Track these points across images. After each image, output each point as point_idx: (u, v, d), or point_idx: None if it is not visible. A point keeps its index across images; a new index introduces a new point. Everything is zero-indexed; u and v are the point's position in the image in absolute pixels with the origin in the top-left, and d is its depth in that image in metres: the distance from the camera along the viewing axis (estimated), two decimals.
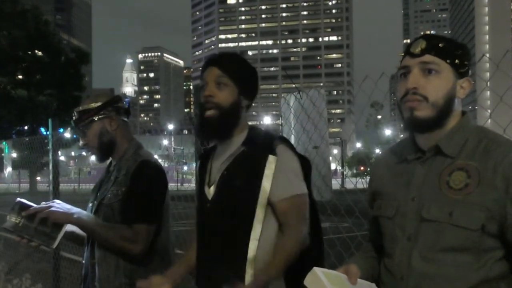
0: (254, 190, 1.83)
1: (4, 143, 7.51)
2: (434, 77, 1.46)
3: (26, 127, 37.94)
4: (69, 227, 2.20)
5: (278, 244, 1.82)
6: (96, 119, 2.29)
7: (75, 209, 2.18)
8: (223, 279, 1.73)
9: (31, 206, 2.14)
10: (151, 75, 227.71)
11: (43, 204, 2.16)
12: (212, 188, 1.92)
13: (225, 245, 1.85)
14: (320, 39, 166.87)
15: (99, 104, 2.30)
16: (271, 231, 1.85)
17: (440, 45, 1.47)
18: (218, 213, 1.89)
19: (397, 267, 1.49)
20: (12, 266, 7.42)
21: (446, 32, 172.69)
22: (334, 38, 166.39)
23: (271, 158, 1.84)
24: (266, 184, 1.82)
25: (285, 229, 1.84)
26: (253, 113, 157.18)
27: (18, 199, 2.19)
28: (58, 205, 2.15)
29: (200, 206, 1.98)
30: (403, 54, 1.58)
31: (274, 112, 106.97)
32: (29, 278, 6.11)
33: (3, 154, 7.58)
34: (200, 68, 2.02)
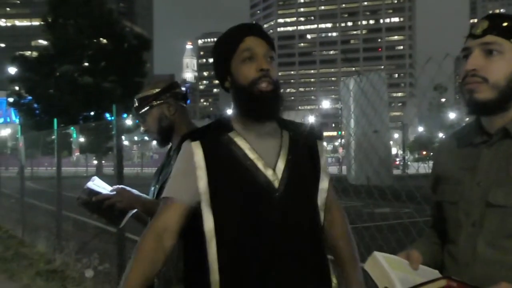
0: (316, 175, 1.78)
1: (72, 128, 7.82)
2: (496, 57, 1.40)
3: (92, 113, 39.32)
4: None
5: (341, 234, 1.84)
6: (154, 105, 2.35)
7: (140, 195, 2.27)
8: (312, 277, 1.65)
9: (99, 192, 2.25)
10: (211, 60, 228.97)
11: (113, 189, 2.27)
12: (280, 172, 1.68)
13: (305, 237, 1.68)
14: (381, 20, 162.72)
15: (157, 90, 2.36)
16: None
17: (503, 24, 1.41)
18: (290, 202, 1.67)
19: (462, 254, 1.45)
20: (81, 246, 7.77)
21: None
22: (395, 19, 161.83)
23: (320, 144, 1.81)
24: (323, 168, 1.80)
25: (335, 211, 1.85)
26: (312, 97, 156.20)
27: (87, 184, 2.29)
28: (125, 191, 2.25)
29: (256, 195, 1.65)
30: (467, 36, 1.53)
31: (333, 96, 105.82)
32: (97, 257, 6.38)
33: (71, 139, 7.89)
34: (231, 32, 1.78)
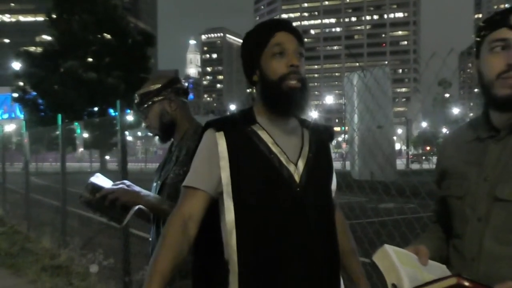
0: (330, 175, 1.83)
1: (76, 124, 7.83)
2: None
3: (96, 109, 39.38)
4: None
5: (343, 228, 1.88)
6: (155, 100, 2.35)
7: (143, 191, 2.26)
8: (330, 274, 1.72)
9: (103, 187, 2.24)
10: (214, 56, 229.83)
11: (115, 184, 2.26)
12: (301, 166, 1.70)
13: (323, 233, 1.71)
14: (385, 16, 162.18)
15: (158, 86, 2.36)
16: None
17: None
18: (313, 201, 1.69)
19: (468, 249, 1.44)
20: (86, 241, 7.80)
21: None
22: (400, 14, 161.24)
23: (330, 146, 1.87)
24: (333, 170, 1.86)
25: (337, 210, 1.89)
26: (316, 92, 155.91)
27: (91, 179, 2.29)
28: (128, 187, 2.24)
29: (278, 188, 1.66)
30: (486, 25, 1.45)
31: (337, 91, 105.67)
32: (101, 253, 6.41)
33: (75, 135, 7.91)
34: (261, 28, 1.77)
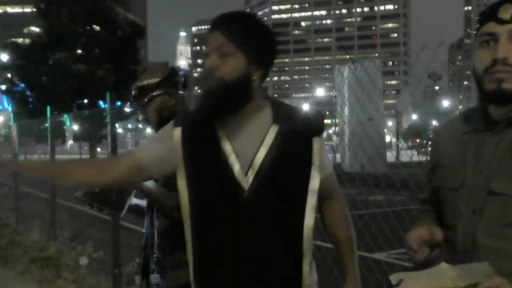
0: (304, 176, 1.67)
1: (65, 116, 7.78)
2: None
3: (85, 101, 39.14)
4: (132, 200, 2.30)
5: (341, 221, 1.85)
6: (155, 95, 2.31)
7: None
8: (277, 279, 1.64)
9: None
10: (205, 48, 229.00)
11: None
12: (250, 175, 1.62)
13: (275, 240, 1.63)
14: (376, 8, 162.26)
15: (157, 80, 2.31)
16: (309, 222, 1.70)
17: None
18: (261, 205, 1.62)
19: (461, 241, 1.43)
20: (75, 234, 7.77)
21: None
22: (390, 7, 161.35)
23: (317, 142, 1.69)
24: (315, 168, 1.68)
25: (335, 202, 1.86)
26: (307, 85, 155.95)
27: None
28: None
29: (226, 196, 1.63)
30: (479, 18, 1.45)
31: (327, 84, 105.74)
32: (91, 245, 6.39)
33: (64, 127, 7.85)
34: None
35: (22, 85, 40.41)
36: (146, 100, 2.32)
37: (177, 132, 1.71)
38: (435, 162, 1.59)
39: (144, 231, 2.43)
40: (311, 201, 1.67)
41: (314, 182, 1.67)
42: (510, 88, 1.35)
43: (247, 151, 1.64)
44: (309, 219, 1.67)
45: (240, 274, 1.63)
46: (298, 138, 1.66)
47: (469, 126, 1.50)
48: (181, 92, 2.39)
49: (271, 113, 1.68)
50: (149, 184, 2.24)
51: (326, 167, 1.77)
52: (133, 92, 2.37)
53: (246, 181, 1.62)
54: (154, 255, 2.31)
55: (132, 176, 1.78)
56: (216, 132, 1.66)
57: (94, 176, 1.79)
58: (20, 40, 46.84)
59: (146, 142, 1.86)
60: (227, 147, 1.64)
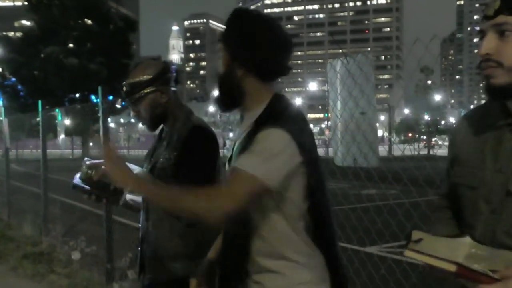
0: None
1: (57, 110, 7.73)
2: (509, 39, 1.32)
3: (77, 95, 38.96)
4: (128, 196, 2.30)
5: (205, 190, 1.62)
6: (147, 92, 2.29)
7: (136, 168, 2.23)
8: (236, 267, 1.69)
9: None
10: (197, 42, 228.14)
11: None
12: (227, 166, 1.79)
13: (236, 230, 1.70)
14: (368, 2, 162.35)
15: (149, 77, 2.29)
16: (269, 215, 1.63)
17: None
18: None
19: (480, 241, 1.36)
20: (68, 229, 7.75)
21: None
22: (383, 1, 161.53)
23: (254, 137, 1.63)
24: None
25: (218, 189, 1.78)
26: (299, 79, 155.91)
27: (86, 159, 2.23)
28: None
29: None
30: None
31: (320, 78, 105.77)
32: (84, 240, 6.38)
33: (56, 121, 7.81)
34: None
35: (13, 79, 40.16)
36: (136, 97, 2.30)
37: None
38: (453, 158, 1.55)
39: (140, 225, 2.43)
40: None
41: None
42: (496, 83, 1.34)
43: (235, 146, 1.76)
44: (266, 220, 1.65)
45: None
46: (251, 135, 1.63)
47: (488, 121, 1.45)
48: (173, 88, 2.38)
49: (261, 111, 1.67)
50: (144, 175, 2.24)
51: (243, 158, 1.61)
52: (124, 89, 2.34)
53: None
54: (150, 248, 2.31)
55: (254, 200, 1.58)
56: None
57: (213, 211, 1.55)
58: (11, 34, 46.40)
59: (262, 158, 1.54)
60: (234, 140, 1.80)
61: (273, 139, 1.55)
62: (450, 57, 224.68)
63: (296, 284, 1.62)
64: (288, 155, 1.55)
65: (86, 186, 2.17)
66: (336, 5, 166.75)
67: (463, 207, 1.47)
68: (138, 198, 2.40)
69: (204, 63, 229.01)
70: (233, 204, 1.52)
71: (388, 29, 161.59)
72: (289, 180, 1.58)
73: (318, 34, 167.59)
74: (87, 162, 2.17)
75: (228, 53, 1.67)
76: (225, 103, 1.73)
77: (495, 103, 1.44)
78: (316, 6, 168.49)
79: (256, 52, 1.64)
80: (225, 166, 1.82)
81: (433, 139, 44.94)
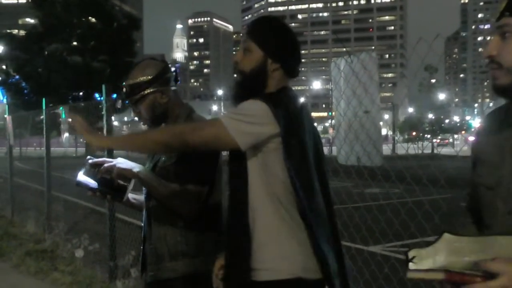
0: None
1: (61, 108, 7.74)
2: (509, 40, 1.33)
3: (81, 93, 39.01)
4: (130, 195, 2.29)
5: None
6: (147, 93, 2.29)
7: (137, 166, 2.23)
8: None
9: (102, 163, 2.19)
10: (201, 40, 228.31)
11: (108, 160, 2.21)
12: None
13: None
14: (372, 1, 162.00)
15: (148, 78, 2.29)
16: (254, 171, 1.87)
17: None
18: None
19: None
20: (71, 226, 7.76)
21: None
22: None
23: None
24: None
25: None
26: (303, 78, 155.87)
27: (88, 157, 2.23)
28: (122, 162, 2.21)
29: None
30: None
31: (324, 76, 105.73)
32: (87, 238, 6.39)
33: (60, 119, 7.82)
34: None
35: (17, 76, 40.24)
36: (137, 97, 2.30)
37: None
38: (475, 158, 1.54)
39: (142, 224, 2.43)
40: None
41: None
42: (499, 84, 1.36)
43: None
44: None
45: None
46: None
47: (507, 121, 1.44)
48: (173, 87, 2.37)
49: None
50: (146, 172, 2.23)
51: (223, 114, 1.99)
52: (124, 90, 2.35)
53: None
54: (151, 246, 2.32)
55: (218, 146, 1.92)
56: None
57: (177, 136, 1.85)
58: (15, 31, 46.48)
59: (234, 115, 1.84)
60: None
61: (250, 103, 1.82)
62: (454, 55, 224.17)
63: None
64: (258, 118, 1.79)
65: (90, 183, 2.17)
66: (340, 4, 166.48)
67: (482, 207, 1.47)
68: (141, 197, 2.41)
69: (207, 61, 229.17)
70: (197, 137, 1.82)
71: (392, 27, 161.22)
72: (262, 147, 1.82)
73: (322, 32, 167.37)
74: (90, 161, 2.17)
75: (261, 49, 1.90)
76: (245, 95, 1.88)
77: None
78: (320, 5, 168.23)
79: (289, 51, 1.94)
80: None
81: (438, 137, 44.77)
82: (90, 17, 41.28)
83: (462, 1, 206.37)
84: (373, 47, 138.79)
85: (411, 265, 1.27)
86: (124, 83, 2.35)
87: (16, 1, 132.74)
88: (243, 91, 1.92)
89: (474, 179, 1.52)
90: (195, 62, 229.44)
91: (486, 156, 1.46)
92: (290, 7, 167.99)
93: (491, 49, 1.35)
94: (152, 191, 2.24)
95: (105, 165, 2.11)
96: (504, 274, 1.15)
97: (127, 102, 2.39)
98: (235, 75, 1.99)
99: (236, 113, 1.81)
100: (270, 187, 1.83)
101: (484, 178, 1.45)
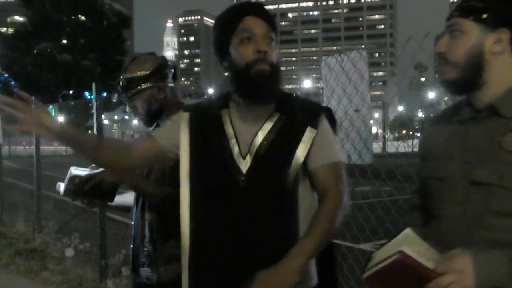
0: (287, 161, 1.68)
1: (50, 106, 7.70)
2: (456, 38, 1.45)
3: (71, 92, 38.80)
4: (117, 198, 2.30)
5: (318, 211, 1.65)
6: (144, 88, 2.26)
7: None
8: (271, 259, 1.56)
9: (85, 174, 2.22)
10: (192, 38, 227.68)
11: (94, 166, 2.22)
12: (248, 159, 1.69)
13: (269, 222, 1.66)
14: None
15: (147, 72, 2.26)
16: (307, 205, 1.71)
17: (463, 4, 1.44)
18: (256, 188, 1.67)
19: (447, 232, 1.44)
20: (61, 225, 7.72)
21: None
22: None
23: (309, 131, 1.71)
24: (300, 153, 1.69)
25: (326, 194, 1.68)
26: (294, 76, 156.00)
27: (72, 172, 2.25)
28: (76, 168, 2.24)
29: (226, 179, 1.69)
30: None
31: (314, 75, 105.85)
32: (77, 237, 6.35)
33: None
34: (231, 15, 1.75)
35: (6, 75, 39.95)
36: (134, 91, 2.27)
37: (186, 116, 1.79)
38: (424, 153, 1.62)
39: (132, 223, 2.41)
40: (299, 186, 1.70)
41: (295, 165, 1.69)
42: (446, 78, 1.47)
43: (246, 142, 1.71)
44: (303, 203, 1.70)
45: (234, 256, 1.66)
46: (292, 124, 1.72)
47: (456, 116, 1.52)
48: (171, 84, 2.34)
49: (275, 103, 1.74)
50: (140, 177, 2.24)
51: (323, 155, 1.72)
52: (121, 83, 2.31)
53: (245, 165, 1.69)
54: (145, 249, 2.29)
55: (155, 159, 1.87)
56: (221, 118, 1.75)
57: (119, 160, 1.80)
58: (3, 29, 46.14)
59: (163, 125, 1.88)
60: (230, 131, 1.72)
61: (330, 131, 1.79)
62: None
63: None
64: None
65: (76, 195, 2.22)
66: (330, 2, 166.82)
67: (430, 199, 1.54)
68: (125, 199, 2.42)
69: (198, 60, 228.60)
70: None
71: (382, 26, 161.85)
72: None
73: (312, 31, 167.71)
74: (76, 180, 2.19)
75: (277, 46, 1.73)
76: (275, 95, 1.74)
77: (464, 99, 1.54)
78: (310, 3, 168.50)
79: None
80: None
81: None
82: (79, 15, 41.08)
83: (451, 0, 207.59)
84: (363, 46, 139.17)
85: (369, 266, 1.36)
86: (121, 76, 2.32)
87: None
88: (275, 86, 1.72)
89: (422, 173, 1.60)
90: (185, 60, 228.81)
91: (435, 150, 1.55)
92: (280, 6, 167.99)
93: (440, 46, 1.48)
94: (143, 195, 2.25)
95: (98, 176, 2.15)
96: (453, 272, 1.22)
97: (123, 96, 2.35)
98: (262, 66, 1.68)
99: (337, 147, 1.84)
100: None
101: (433, 171, 1.53)
